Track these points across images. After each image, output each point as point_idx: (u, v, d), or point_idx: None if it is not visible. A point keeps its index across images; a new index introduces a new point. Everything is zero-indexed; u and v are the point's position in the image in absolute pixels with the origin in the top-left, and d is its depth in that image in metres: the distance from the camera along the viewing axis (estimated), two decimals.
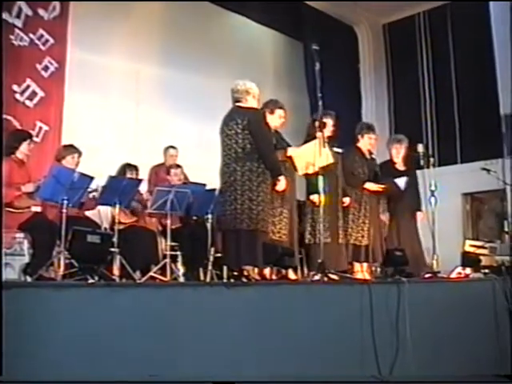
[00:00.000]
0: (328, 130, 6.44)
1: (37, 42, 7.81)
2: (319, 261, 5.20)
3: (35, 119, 7.66)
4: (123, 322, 3.52)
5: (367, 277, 6.63)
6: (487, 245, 7.88)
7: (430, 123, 12.08)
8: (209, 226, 6.36)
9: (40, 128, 7.65)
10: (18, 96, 7.56)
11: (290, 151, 6.01)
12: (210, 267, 5.95)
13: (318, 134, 5.63)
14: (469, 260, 7.17)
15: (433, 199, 6.81)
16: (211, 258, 6.03)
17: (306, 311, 4.47)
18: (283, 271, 6.03)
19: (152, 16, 9.47)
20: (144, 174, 7.30)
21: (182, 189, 6.41)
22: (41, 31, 7.84)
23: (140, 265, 6.11)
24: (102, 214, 6.57)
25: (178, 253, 6.46)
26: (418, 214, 7.33)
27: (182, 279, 6.07)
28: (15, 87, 7.53)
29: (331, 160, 6.02)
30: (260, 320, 4.18)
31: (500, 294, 6.07)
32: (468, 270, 7.05)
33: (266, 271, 5.76)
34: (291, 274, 5.99)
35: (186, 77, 9.69)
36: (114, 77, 8.97)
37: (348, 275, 6.24)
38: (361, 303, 4.77)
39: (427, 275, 6.53)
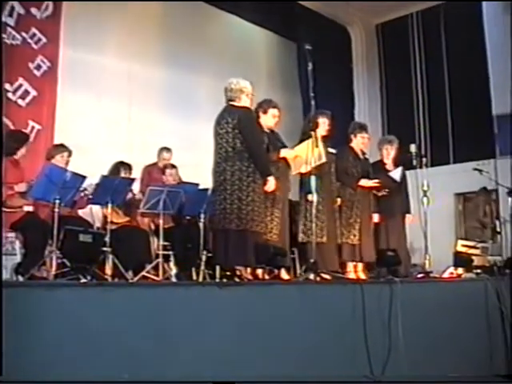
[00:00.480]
0: (323, 130, 6.47)
1: (29, 40, 7.78)
2: (312, 260, 5.20)
3: (27, 118, 7.63)
4: (116, 321, 3.52)
5: (363, 276, 6.66)
6: (479, 245, 7.90)
7: (423, 123, 12.10)
8: (201, 225, 6.35)
9: (32, 127, 7.62)
10: (10, 95, 7.53)
11: (283, 152, 6.00)
12: (202, 267, 5.94)
13: (312, 134, 5.63)
14: (461, 260, 7.19)
15: (425, 199, 6.82)
16: (204, 258, 6.02)
17: (299, 311, 4.47)
18: (276, 271, 6.03)
19: (145, 15, 9.45)
20: (136, 173, 7.28)
21: (175, 188, 6.41)
22: (33, 30, 7.81)
23: (132, 264, 6.09)
24: (94, 214, 6.55)
25: (171, 252, 6.45)
26: (408, 216, 7.35)
27: (174, 279, 6.06)
28: (7, 86, 7.49)
29: (324, 159, 6.02)
30: (252, 320, 4.18)
31: (492, 294, 6.09)
32: (460, 270, 7.07)
33: (259, 271, 5.76)
34: (284, 274, 5.99)
35: (179, 76, 9.68)
36: (107, 76, 8.94)
37: (341, 275, 6.25)
38: (353, 303, 4.78)
39: (419, 275, 6.55)
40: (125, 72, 9.14)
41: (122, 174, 6.62)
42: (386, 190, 7.06)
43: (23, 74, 7.69)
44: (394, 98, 12.60)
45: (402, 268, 6.86)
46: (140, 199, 6.49)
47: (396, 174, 7.13)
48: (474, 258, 7.32)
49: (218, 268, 5.51)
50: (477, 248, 7.69)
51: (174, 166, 7.46)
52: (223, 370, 3.86)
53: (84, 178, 5.61)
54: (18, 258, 5.39)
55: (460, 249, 7.62)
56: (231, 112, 5.45)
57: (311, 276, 5.08)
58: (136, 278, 5.80)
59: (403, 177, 7.37)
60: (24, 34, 7.72)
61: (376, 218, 7.11)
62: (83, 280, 4.86)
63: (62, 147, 6.24)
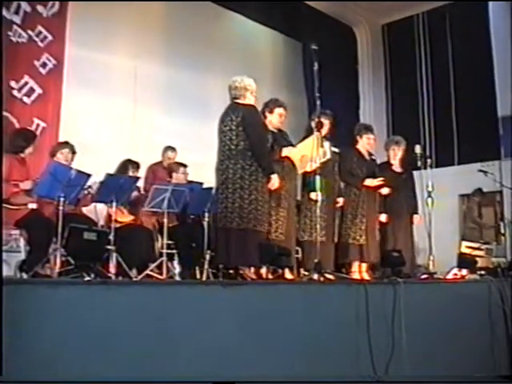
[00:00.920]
0: (324, 130, 6.47)
1: (35, 38, 7.80)
2: (316, 260, 5.20)
3: (32, 116, 7.66)
4: (119, 319, 3.51)
5: (367, 277, 6.65)
6: (483, 246, 7.89)
7: (428, 124, 12.09)
8: (205, 224, 6.35)
9: (37, 125, 7.64)
10: (15, 92, 7.55)
11: (286, 151, 5.98)
12: (206, 266, 5.94)
13: (316, 133, 5.63)
14: (465, 261, 7.18)
15: (430, 200, 6.81)
16: (207, 257, 6.02)
17: (302, 311, 4.46)
18: (279, 271, 6.03)
19: (151, 14, 9.46)
20: (141, 172, 7.28)
21: (179, 187, 6.41)
22: (39, 28, 7.83)
23: (136, 263, 6.10)
24: (99, 212, 6.56)
25: (175, 251, 6.45)
26: (415, 216, 7.34)
27: (177, 278, 6.06)
28: (13, 84, 7.51)
29: (329, 156, 6.02)
30: (255, 319, 4.17)
31: (496, 295, 6.07)
32: (464, 272, 7.06)
33: (263, 271, 5.76)
34: (288, 274, 5.99)
35: (184, 76, 9.70)
36: (112, 74, 8.96)
37: (344, 275, 6.25)
38: (357, 303, 4.77)
39: (423, 276, 6.55)
40: (130, 70, 9.15)
41: (130, 173, 6.63)
42: (392, 189, 7.06)
43: (29, 72, 7.71)
44: (399, 98, 12.60)
45: (407, 268, 6.86)
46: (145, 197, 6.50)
47: None
48: (477, 259, 7.31)
49: (220, 267, 5.52)
50: (481, 249, 7.69)
51: (184, 165, 7.43)
52: (225, 370, 3.86)
53: (89, 175, 5.62)
54: (22, 255, 5.39)
55: (464, 250, 7.62)
56: (235, 110, 5.44)
57: (315, 276, 5.07)
58: (140, 277, 5.80)
59: (410, 177, 7.38)
60: (30, 32, 7.74)
61: (383, 218, 7.12)
62: (87, 278, 4.85)
63: (64, 144, 6.25)
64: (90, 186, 5.87)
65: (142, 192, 6.93)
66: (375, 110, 12.51)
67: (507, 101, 10.29)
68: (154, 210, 6.27)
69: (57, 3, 8.00)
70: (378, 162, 7.44)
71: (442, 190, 7.44)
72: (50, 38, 7.92)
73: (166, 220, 6.19)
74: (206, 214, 6.37)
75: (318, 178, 5.46)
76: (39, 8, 7.86)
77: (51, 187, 5.31)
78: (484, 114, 10.91)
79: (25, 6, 7.70)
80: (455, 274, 7.02)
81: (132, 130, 9.13)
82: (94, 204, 6.34)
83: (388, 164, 7.43)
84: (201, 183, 6.76)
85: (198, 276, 6.12)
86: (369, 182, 6.91)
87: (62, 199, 5.27)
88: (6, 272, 5.06)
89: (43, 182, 5.34)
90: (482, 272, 6.89)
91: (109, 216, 6.25)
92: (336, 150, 6.72)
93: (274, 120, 6.06)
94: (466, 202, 11.22)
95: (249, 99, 5.54)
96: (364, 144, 7.09)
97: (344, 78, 12.10)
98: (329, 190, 6.40)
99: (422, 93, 12.23)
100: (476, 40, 11.09)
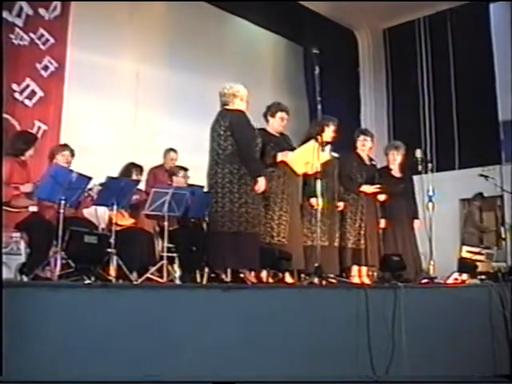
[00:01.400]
0: (328, 136, 6.48)
1: (37, 41, 7.81)
2: (316, 265, 5.20)
3: (34, 119, 7.67)
4: (119, 323, 3.52)
5: (366, 281, 6.65)
6: (484, 251, 7.89)
7: (429, 128, 12.10)
8: (206, 228, 6.35)
9: (38, 127, 7.65)
10: (17, 95, 7.56)
11: (281, 156, 5.98)
12: (206, 270, 5.94)
13: (314, 140, 5.62)
14: (465, 266, 7.18)
15: (430, 204, 6.81)
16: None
17: (302, 314, 4.46)
18: (280, 274, 6.03)
19: (153, 17, 9.48)
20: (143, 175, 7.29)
21: (180, 190, 6.40)
22: (41, 31, 7.84)
23: (137, 266, 6.09)
24: (99, 215, 6.55)
25: (175, 255, 6.45)
26: (416, 221, 7.34)
27: (178, 281, 6.05)
28: (14, 86, 7.52)
29: (328, 157, 6.03)
30: (255, 323, 4.18)
31: (496, 300, 6.07)
32: (464, 276, 7.05)
33: (263, 274, 5.77)
34: (288, 278, 5.99)
35: (185, 78, 9.70)
36: (114, 77, 8.97)
37: (345, 279, 6.25)
38: (357, 307, 4.77)
39: (424, 280, 6.54)
40: (132, 74, 9.18)
41: (134, 176, 6.64)
42: (391, 194, 7.06)
43: (30, 75, 7.72)
44: (400, 102, 12.61)
45: (411, 273, 6.84)
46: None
47: None
48: (478, 264, 7.31)
49: (218, 271, 5.53)
50: (481, 254, 7.68)
51: (185, 169, 7.44)
52: (225, 373, 3.86)
53: (90, 178, 5.61)
54: (22, 258, 5.39)
55: (465, 255, 7.62)
56: (224, 116, 5.49)
57: (315, 280, 5.07)
58: (140, 280, 5.79)
59: (410, 182, 7.38)
60: (32, 35, 7.76)
61: (382, 223, 7.12)
62: (87, 281, 4.87)
63: (63, 147, 6.25)
64: (90, 189, 5.87)
65: (143, 195, 6.92)
66: (376, 113, 12.52)
67: (508, 105, 10.30)
68: (155, 213, 6.26)
69: (59, 6, 8.01)
70: (379, 166, 7.44)
71: (442, 195, 7.44)
72: (51, 40, 7.93)
73: (166, 223, 6.18)
74: (207, 218, 6.37)
75: (318, 182, 5.47)
76: (41, 11, 7.87)
77: (52, 190, 5.30)
78: (485, 118, 10.93)
79: (27, 9, 7.71)
80: (456, 279, 7.01)
81: (133, 133, 9.14)
82: (94, 207, 6.33)
83: (387, 169, 7.43)
84: (201, 186, 6.75)
85: (199, 280, 6.12)
86: (365, 188, 6.91)
87: (62, 202, 5.26)
88: (6, 274, 5.06)
89: (44, 184, 5.34)
90: (483, 277, 6.90)
91: (109, 219, 6.25)
92: (336, 154, 6.73)
93: (275, 124, 6.08)
94: (466, 206, 11.21)
95: (238, 105, 5.56)
96: (360, 147, 7.10)
97: (345, 82, 12.11)
98: (328, 194, 6.40)
99: (423, 97, 12.23)
100: (477, 45, 11.10)
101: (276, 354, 4.21)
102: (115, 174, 6.49)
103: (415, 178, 7.34)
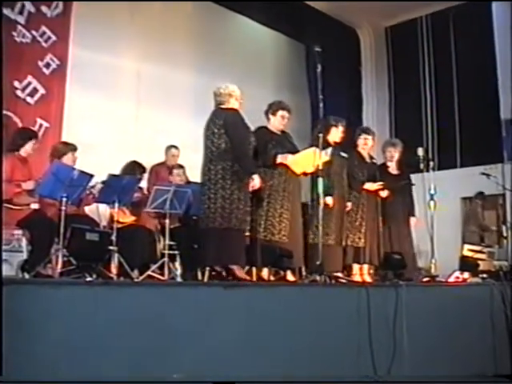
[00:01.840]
0: (337, 137, 6.54)
1: (39, 39, 7.82)
2: (318, 262, 5.20)
3: (36, 116, 7.67)
4: (120, 320, 3.52)
5: (368, 279, 6.66)
6: (485, 249, 7.87)
7: (431, 127, 12.08)
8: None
9: (40, 125, 7.65)
10: (18, 92, 7.56)
11: (280, 158, 5.97)
12: (207, 267, 5.94)
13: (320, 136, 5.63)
14: (467, 264, 7.16)
15: (432, 203, 6.81)
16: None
17: (304, 313, 4.46)
18: (281, 272, 6.03)
19: (155, 16, 9.46)
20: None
21: (182, 188, 6.41)
22: (43, 28, 7.85)
23: (138, 263, 6.10)
24: (101, 213, 6.56)
25: (176, 252, 6.45)
26: (412, 219, 7.34)
27: (179, 279, 6.06)
28: (16, 84, 7.53)
29: (328, 158, 6.04)
30: (256, 321, 4.18)
31: (498, 298, 6.07)
32: (466, 275, 7.04)
33: (264, 272, 5.77)
34: (289, 276, 5.99)
35: (186, 76, 9.70)
36: (116, 75, 8.97)
37: (346, 277, 6.25)
38: (358, 305, 4.77)
39: (425, 279, 6.54)
40: (134, 72, 9.17)
41: (137, 175, 6.64)
42: (389, 192, 7.07)
43: (32, 72, 7.72)
44: (402, 101, 12.59)
45: (408, 271, 6.86)
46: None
47: None
48: (479, 262, 7.30)
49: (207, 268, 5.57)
50: (483, 253, 7.67)
51: (181, 166, 7.47)
52: (226, 371, 3.86)
53: (91, 176, 5.62)
54: (24, 255, 5.40)
55: (466, 253, 7.59)
56: (219, 114, 5.55)
57: (317, 278, 5.07)
58: (141, 278, 5.80)
59: (407, 180, 7.38)
60: (34, 32, 7.76)
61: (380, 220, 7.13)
62: (89, 278, 4.87)
63: (71, 145, 6.25)
64: (92, 187, 5.88)
65: (145, 193, 6.92)
66: (378, 112, 12.50)
67: (510, 104, 10.29)
68: (157, 210, 6.26)
69: (61, 4, 8.02)
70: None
71: (444, 193, 7.43)
72: (53, 38, 7.94)
73: (167, 221, 6.18)
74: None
75: (320, 180, 5.47)
76: (43, 8, 7.88)
77: (54, 187, 5.30)
78: (487, 116, 10.90)
79: (29, 7, 7.72)
80: (457, 277, 7.00)
81: (135, 131, 9.14)
82: (96, 204, 6.34)
83: (384, 166, 7.43)
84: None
85: (200, 277, 6.12)
86: (368, 186, 6.92)
87: (64, 199, 5.27)
88: (8, 272, 5.08)
89: (46, 182, 5.34)
90: (484, 275, 6.88)
91: (111, 217, 6.25)
92: (345, 155, 6.75)
93: (276, 122, 6.09)
94: (468, 204, 11.20)
95: (232, 104, 5.63)
96: (361, 145, 7.11)
97: (347, 80, 12.10)
98: (337, 193, 6.46)
99: (425, 95, 12.21)
100: (479, 43, 11.08)
101: (277, 353, 4.22)
102: (117, 172, 6.48)
103: (417, 176, 7.31)
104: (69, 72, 8.07)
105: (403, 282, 5.24)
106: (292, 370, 4.24)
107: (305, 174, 6.12)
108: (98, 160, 7.46)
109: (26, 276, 5.02)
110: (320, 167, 5.50)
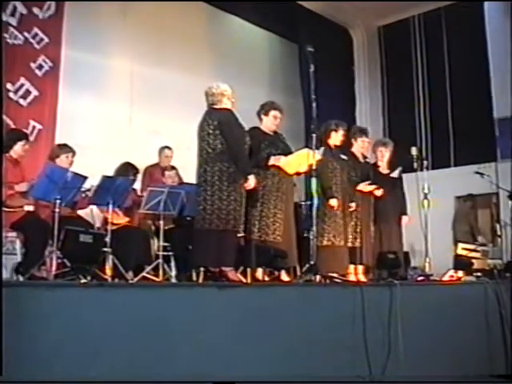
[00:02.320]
0: (337, 140, 6.55)
1: (31, 40, 7.81)
2: (311, 262, 5.21)
3: (28, 118, 7.66)
4: (116, 322, 3.52)
5: (362, 278, 6.66)
6: (480, 248, 7.90)
7: (424, 126, 12.12)
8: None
9: (33, 127, 7.64)
10: (11, 95, 7.55)
11: (273, 160, 5.97)
12: (202, 268, 5.93)
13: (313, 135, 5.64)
14: (461, 263, 7.20)
15: (426, 202, 6.82)
16: None
17: (299, 312, 4.47)
18: (276, 272, 6.03)
19: (147, 17, 9.45)
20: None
21: (175, 189, 6.40)
22: (35, 30, 7.83)
23: (132, 265, 6.09)
24: (95, 214, 6.55)
25: (171, 253, 6.44)
26: (404, 217, 7.34)
27: (174, 280, 6.05)
28: (9, 86, 7.51)
29: (319, 157, 6.05)
30: (252, 321, 4.18)
31: (492, 297, 6.09)
32: (460, 273, 7.07)
33: (259, 273, 5.77)
34: (284, 276, 5.99)
35: (180, 77, 9.68)
36: (109, 77, 8.97)
37: (341, 277, 6.25)
38: (353, 305, 4.78)
39: (420, 278, 6.55)
40: (126, 73, 9.16)
41: (131, 176, 6.63)
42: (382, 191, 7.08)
43: (25, 74, 7.71)
44: (395, 100, 12.63)
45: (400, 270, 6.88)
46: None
47: (395, 174, 7.21)
48: (474, 261, 7.32)
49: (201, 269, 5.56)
50: (477, 251, 7.70)
51: (173, 168, 7.47)
52: (221, 371, 3.86)
53: (85, 178, 5.61)
54: (18, 258, 5.38)
55: (460, 252, 7.63)
56: (212, 115, 5.50)
57: (312, 278, 5.08)
58: (136, 279, 5.79)
59: (399, 178, 7.38)
60: (26, 34, 7.75)
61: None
62: (83, 280, 4.87)
63: (66, 147, 6.24)
64: (88, 190, 5.87)
65: (139, 194, 6.91)
66: (371, 111, 12.54)
67: (503, 102, 10.33)
68: (151, 212, 6.26)
69: (53, 5, 8.00)
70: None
71: (438, 192, 7.44)
72: (46, 40, 7.93)
73: (162, 222, 6.18)
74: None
75: (313, 180, 5.48)
76: (35, 10, 7.86)
77: (47, 189, 5.29)
78: (480, 115, 10.95)
79: (21, 8, 7.70)
80: (451, 276, 7.03)
81: (128, 133, 9.12)
82: (90, 206, 6.33)
83: (375, 165, 7.43)
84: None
85: (195, 278, 6.12)
86: (362, 186, 6.91)
87: (58, 201, 5.26)
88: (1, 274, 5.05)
89: (39, 184, 5.33)
90: (478, 274, 6.91)
91: (105, 218, 6.24)
92: (345, 157, 6.75)
93: (268, 122, 6.07)
94: (459, 204, 11.23)
95: (225, 104, 5.59)
96: (358, 147, 7.11)
97: (340, 80, 12.13)
98: (340, 195, 6.49)
99: (418, 94, 12.25)
100: (472, 42, 11.13)
101: (272, 352, 4.22)
102: (110, 174, 6.47)
103: (411, 175, 7.31)
104: (61, 73, 8.06)
105: (398, 282, 5.24)
106: (287, 369, 4.24)
107: (298, 173, 6.12)
108: (92, 161, 7.44)
109: (21, 278, 5.01)
110: (313, 167, 5.51)
